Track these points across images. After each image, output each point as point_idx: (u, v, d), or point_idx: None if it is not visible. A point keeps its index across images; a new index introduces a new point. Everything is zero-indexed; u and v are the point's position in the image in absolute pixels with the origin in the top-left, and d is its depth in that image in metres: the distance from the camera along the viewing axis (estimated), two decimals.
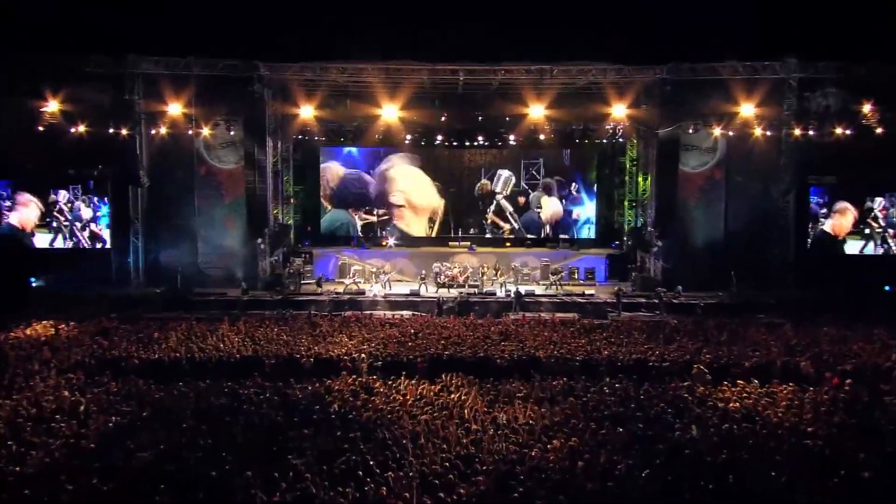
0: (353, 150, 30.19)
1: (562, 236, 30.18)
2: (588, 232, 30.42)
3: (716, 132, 26.36)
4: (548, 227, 30.55)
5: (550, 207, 30.41)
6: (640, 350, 16.21)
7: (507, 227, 30.58)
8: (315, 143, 29.80)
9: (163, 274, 26.38)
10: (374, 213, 30.54)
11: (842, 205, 26.81)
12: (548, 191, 30.35)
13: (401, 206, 30.66)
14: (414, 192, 30.63)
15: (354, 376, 14.12)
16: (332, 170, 30.33)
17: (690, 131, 26.14)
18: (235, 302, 24.10)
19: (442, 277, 26.60)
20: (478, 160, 30.78)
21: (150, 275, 26.60)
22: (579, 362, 15.33)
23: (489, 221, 30.62)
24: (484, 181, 30.51)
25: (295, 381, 13.73)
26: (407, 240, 30.68)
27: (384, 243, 30.40)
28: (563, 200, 30.32)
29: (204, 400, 12.62)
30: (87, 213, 26.92)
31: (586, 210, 30.32)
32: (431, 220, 30.87)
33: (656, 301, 23.91)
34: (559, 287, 26.20)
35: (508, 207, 30.59)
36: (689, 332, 18.86)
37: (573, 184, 30.32)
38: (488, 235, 30.85)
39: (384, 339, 17.35)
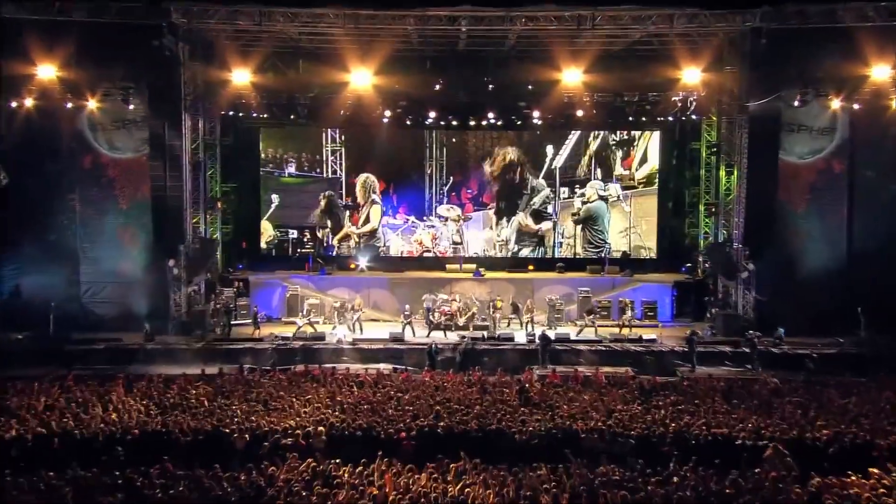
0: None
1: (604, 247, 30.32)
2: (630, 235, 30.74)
3: (834, 105, 26.41)
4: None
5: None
6: (723, 422, 16.11)
7: (542, 227, 30.94)
8: (253, 121, 29.87)
9: (27, 312, 26.19)
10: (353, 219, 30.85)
11: None
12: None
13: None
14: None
15: (308, 460, 13.85)
16: None
17: (796, 104, 26.15)
18: (136, 352, 23.98)
19: (436, 315, 26.53)
20: (488, 146, 30.87)
21: (9, 314, 26.34)
22: (635, 439, 15.19)
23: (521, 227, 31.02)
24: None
25: (222, 467, 13.53)
26: (385, 261, 30.77)
27: (353, 266, 30.38)
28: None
29: (87, 496, 12.32)
30: None
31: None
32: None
33: (747, 350, 23.80)
34: (627, 328, 26.03)
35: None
36: (796, 395, 18.72)
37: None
38: (508, 251, 31.03)
39: (352, 404, 17.12)
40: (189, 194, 26.95)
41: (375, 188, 31.12)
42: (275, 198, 30.88)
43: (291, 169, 30.94)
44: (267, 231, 31.03)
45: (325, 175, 31.04)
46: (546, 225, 31.11)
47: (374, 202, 31.10)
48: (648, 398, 18.20)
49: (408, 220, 31.18)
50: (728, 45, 26.53)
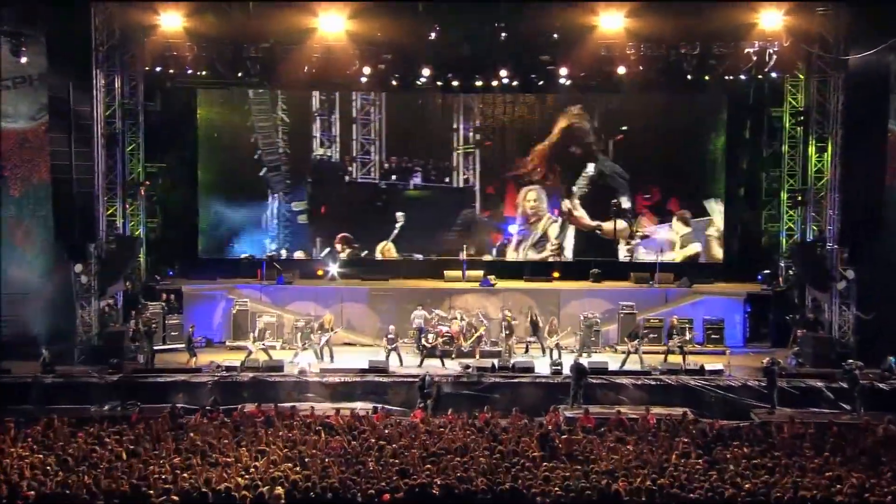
0: None
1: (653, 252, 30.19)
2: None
3: None
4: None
5: None
6: (814, 481, 15.96)
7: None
8: (187, 80, 29.81)
9: None
10: None
11: None
12: None
13: None
14: None
15: None
16: None
17: None
18: (30, 387, 23.94)
19: (430, 337, 26.51)
20: (500, 115, 31.06)
21: None
22: None
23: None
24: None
25: None
26: (364, 264, 31.02)
27: (320, 273, 30.48)
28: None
29: None
30: None
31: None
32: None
33: (845, 385, 23.68)
34: (680, 355, 25.80)
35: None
36: None
37: None
38: (534, 256, 31.32)
39: (320, 456, 17.17)
40: (102, 177, 26.94)
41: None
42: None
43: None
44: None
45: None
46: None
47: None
48: (713, 449, 18.09)
49: None
50: None
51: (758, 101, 30.24)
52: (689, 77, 28.90)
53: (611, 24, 26.81)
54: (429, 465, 16.33)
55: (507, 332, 26.69)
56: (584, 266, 30.78)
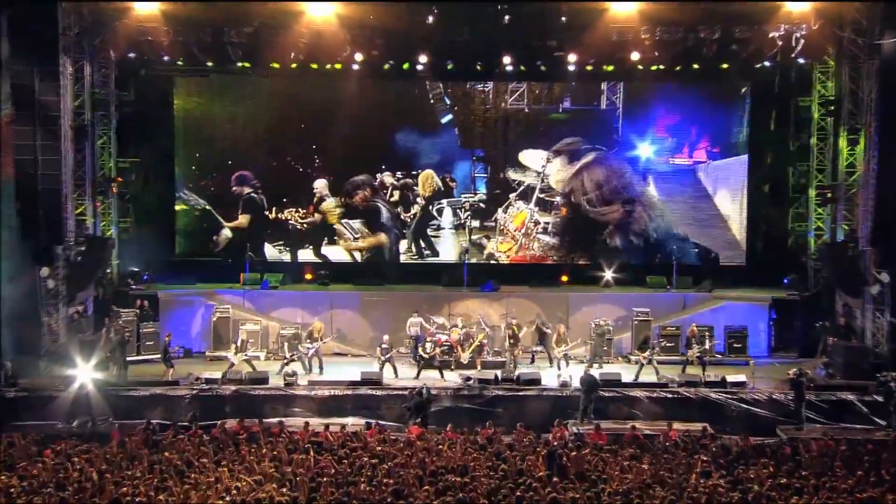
0: None
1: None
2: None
3: None
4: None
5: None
6: (846, 503, 15.96)
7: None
8: (164, 68, 29.80)
9: None
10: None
11: None
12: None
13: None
14: None
15: None
16: None
17: None
18: None
19: (428, 347, 26.38)
20: (504, 105, 31.11)
21: None
22: None
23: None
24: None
25: None
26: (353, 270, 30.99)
27: (308, 276, 30.55)
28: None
29: None
30: None
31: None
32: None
33: (880, 399, 23.56)
34: (700, 366, 25.65)
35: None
36: None
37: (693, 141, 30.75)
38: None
39: (308, 476, 16.97)
40: (71, 173, 26.88)
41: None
42: None
43: None
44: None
45: None
46: None
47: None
48: (736, 467, 18.00)
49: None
50: None
51: (784, 90, 30.10)
52: (707, 63, 28.91)
53: (623, 6, 26.74)
54: (426, 486, 16.19)
55: (512, 342, 26.55)
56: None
